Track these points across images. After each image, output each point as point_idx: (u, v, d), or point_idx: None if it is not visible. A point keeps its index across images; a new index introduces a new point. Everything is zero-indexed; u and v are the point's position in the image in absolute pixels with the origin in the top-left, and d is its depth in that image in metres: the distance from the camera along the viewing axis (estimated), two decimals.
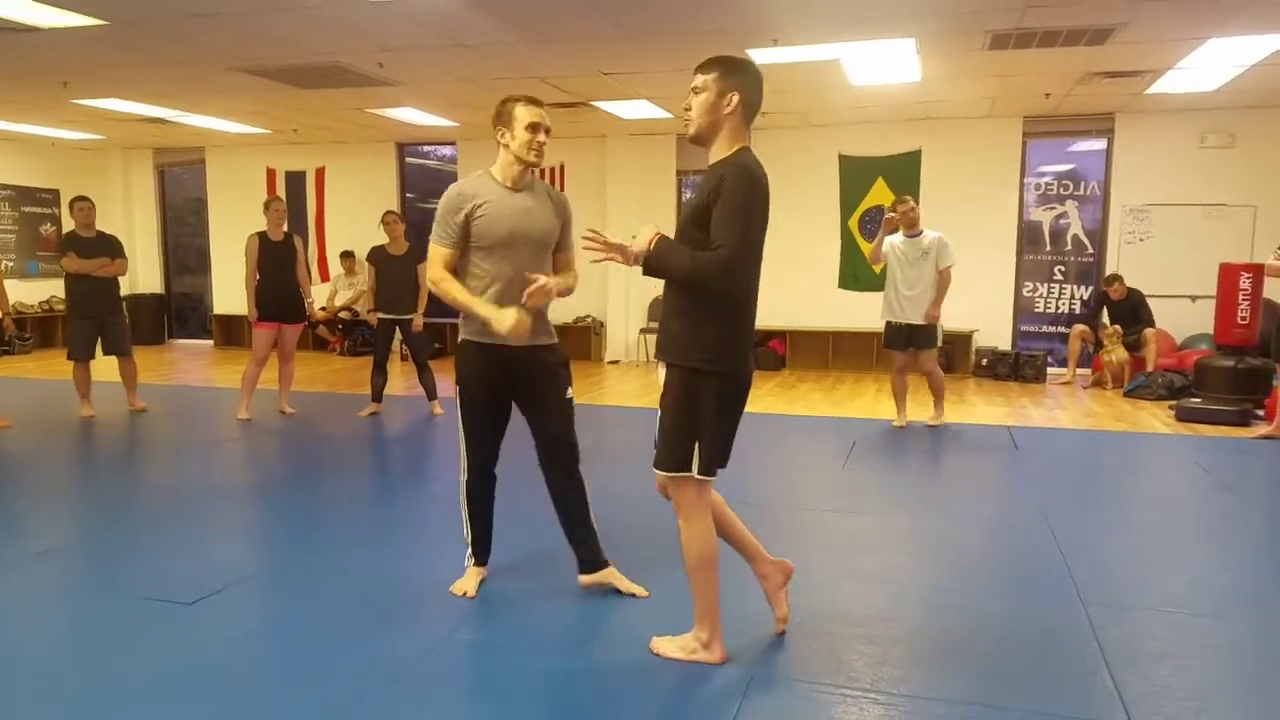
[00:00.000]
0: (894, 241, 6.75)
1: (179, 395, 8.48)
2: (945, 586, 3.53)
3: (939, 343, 6.77)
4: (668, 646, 2.89)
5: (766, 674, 2.78)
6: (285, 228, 7.06)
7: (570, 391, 3.33)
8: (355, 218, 12.06)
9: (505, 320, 3.02)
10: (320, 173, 12.27)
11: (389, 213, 7.32)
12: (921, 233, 6.67)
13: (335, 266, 12.21)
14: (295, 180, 12.34)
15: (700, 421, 2.68)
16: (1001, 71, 7.54)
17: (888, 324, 6.80)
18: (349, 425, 6.91)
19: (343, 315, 11.90)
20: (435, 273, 3.17)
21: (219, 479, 5.39)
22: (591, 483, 3.41)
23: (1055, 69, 7.45)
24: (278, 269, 6.97)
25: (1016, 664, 2.86)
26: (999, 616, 3.24)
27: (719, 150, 2.68)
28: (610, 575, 3.38)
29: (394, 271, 7.12)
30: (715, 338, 2.65)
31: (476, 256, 3.17)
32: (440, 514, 4.59)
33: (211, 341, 12.92)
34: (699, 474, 2.70)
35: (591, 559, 3.39)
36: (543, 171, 11.09)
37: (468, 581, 3.39)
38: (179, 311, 13.74)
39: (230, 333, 12.54)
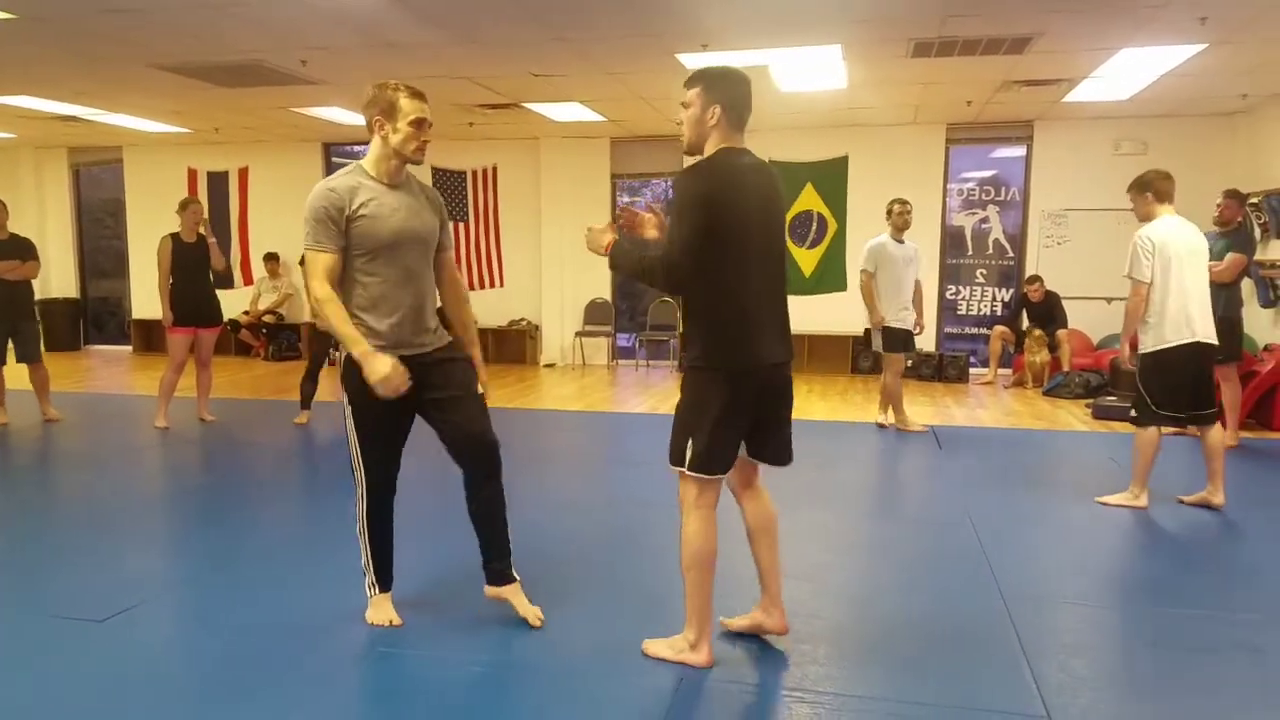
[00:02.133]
0: (885, 244, 6.80)
1: (95, 403, 8.20)
2: (870, 584, 3.59)
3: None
4: (658, 647, 2.90)
5: (695, 676, 2.78)
6: (201, 230, 6.85)
7: (481, 387, 3.13)
8: (280, 219, 11.80)
9: (378, 369, 2.77)
10: (243, 173, 11.98)
11: None
12: (904, 240, 6.85)
13: (259, 269, 11.94)
14: (218, 181, 12.03)
15: (697, 419, 2.72)
16: (924, 79, 7.71)
17: (889, 328, 6.78)
18: (272, 433, 6.76)
19: (267, 319, 11.64)
20: (320, 289, 2.84)
21: (135, 490, 5.22)
22: (522, 488, 3.37)
23: (976, 77, 7.64)
24: (193, 272, 6.77)
25: (940, 659, 2.92)
26: (922, 613, 3.30)
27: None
28: (512, 593, 3.17)
29: None
30: (708, 336, 2.70)
31: (359, 263, 2.90)
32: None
33: (130, 347, 12.52)
34: (690, 470, 2.73)
35: (500, 571, 3.16)
36: (475, 174, 11.04)
37: (385, 610, 3.15)
38: (96, 316, 13.28)
39: (150, 338, 12.17)
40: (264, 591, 3.51)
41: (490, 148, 10.83)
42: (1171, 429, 6.72)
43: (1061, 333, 9.13)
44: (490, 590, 3.20)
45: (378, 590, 3.19)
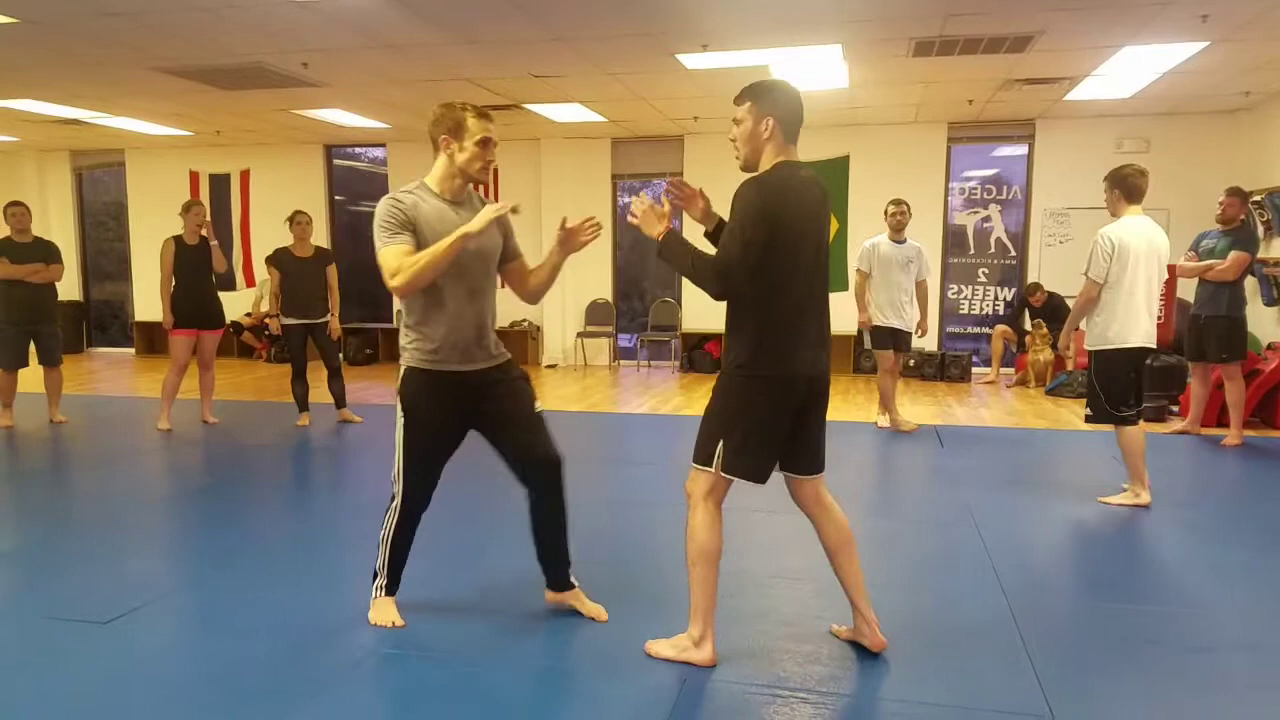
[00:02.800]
0: (879, 244, 6.82)
1: (99, 406, 8.20)
2: (874, 583, 3.56)
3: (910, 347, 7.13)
4: (660, 647, 2.90)
5: (699, 676, 2.78)
6: (204, 232, 6.87)
7: (538, 405, 3.14)
8: (283, 221, 11.78)
9: (481, 219, 2.82)
10: (245, 175, 11.99)
11: (299, 212, 7.05)
12: (905, 239, 6.84)
13: (261, 271, 11.93)
14: (219, 183, 12.04)
15: (733, 423, 2.74)
16: (926, 78, 7.70)
17: (876, 327, 6.83)
18: (274, 435, 6.76)
19: (269, 321, 11.64)
20: (399, 264, 2.80)
21: (139, 492, 5.22)
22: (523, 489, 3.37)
23: (977, 76, 7.63)
24: (195, 274, 6.79)
25: (943, 659, 2.91)
26: (926, 612, 3.29)
27: (761, 169, 2.77)
28: (574, 597, 3.24)
29: (302, 274, 6.89)
30: (751, 343, 2.71)
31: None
32: (366, 527, 4.52)
33: (133, 349, 12.54)
34: (723, 472, 2.75)
35: (562, 578, 3.24)
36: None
37: (389, 611, 3.15)
38: (99, 319, 13.31)
39: (152, 340, 12.19)
40: (267, 593, 3.50)
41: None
42: (1178, 428, 6.75)
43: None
44: (552, 596, 3.25)
45: (384, 593, 3.20)
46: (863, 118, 9.58)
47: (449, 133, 2.95)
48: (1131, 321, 4.62)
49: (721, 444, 2.74)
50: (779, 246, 2.64)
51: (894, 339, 6.82)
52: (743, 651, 2.95)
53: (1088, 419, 4.86)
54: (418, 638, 3.06)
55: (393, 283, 2.82)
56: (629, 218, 2.85)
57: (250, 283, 11.97)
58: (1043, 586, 3.60)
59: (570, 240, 3.06)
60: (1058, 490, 5.15)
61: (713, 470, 2.76)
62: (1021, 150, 10.01)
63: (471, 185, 3.07)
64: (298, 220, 6.96)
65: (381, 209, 2.90)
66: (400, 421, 3.05)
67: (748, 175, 2.76)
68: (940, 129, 9.99)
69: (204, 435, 6.69)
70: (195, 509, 4.86)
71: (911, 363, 9.87)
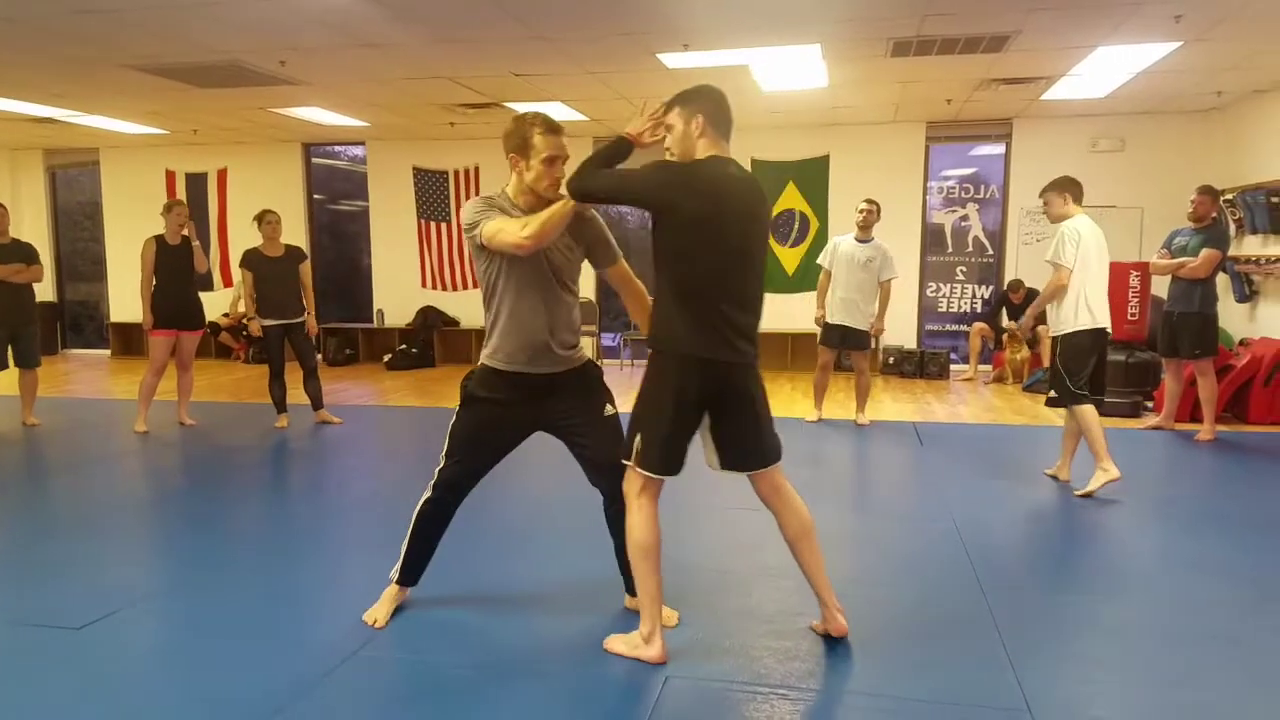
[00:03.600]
0: (841, 243, 6.89)
1: (74, 408, 8.12)
2: (853, 579, 3.60)
3: (871, 347, 7.07)
4: (615, 643, 2.93)
5: (681, 674, 2.79)
6: (185, 232, 6.82)
7: (611, 409, 3.11)
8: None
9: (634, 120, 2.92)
10: (222, 174, 11.90)
11: (268, 211, 6.94)
12: (872, 239, 6.89)
13: (239, 272, 11.84)
14: (196, 182, 11.94)
15: (646, 412, 2.79)
16: (904, 78, 7.74)
17: (828, 323, 6.92)
18: (252, 437, 6.72)
19: (249, 323, 11.55)
20: (513, 231, 2.78)
21: (114, 496, 5.18)
22: (502, 487, 3.37)
23: (955, 75, 7.68)
24: (176, 275, 6.75)
25: (921, 654, 2.94)
26: (905, 607, 3.32)
27: None
28: None
29: (275, 274, 6.82)
30: (667, 320, 2.78)
31: (499, 285, 2.95)
32: (344, 529, 4.51)
33: (109, 351, 12.42)
34: (638, 468, 2.78)
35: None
36: (457, 174, 11.00)
37: (380, 607, 3.17)
38: (74, 320, 13.17)
39: (128, 341, 12.08)
40: (245, 597, 3.49)
41: (473, 147, 10.80)
42: (1152, 424, 6.83)
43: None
44: (631, 601, 3.22)
45: (394, 582, 3.22)
46: (842, 117, 9.63)
47: (516, 151, 2.95)
48: (1094, 304, 4.90)
49: (639, 437, 2.78)
50: (690, 229, 2.70)
51: (843, 337, 6.88)
52: (723, 648, 2.97)
53: (1049, 402, 5.20)
54: (396, 639, 3.06)
55: (524, 232, 2.76)
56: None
57: (228, 283, 11.89)
58: (1019, 581, 3.64)
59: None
60: (1035, 485, 5.20)
61: (631, 464, 2.80)
62: (999, 149, 10.09)
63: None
64: (267, 220, 6.87)
65: (475, 203, 2.93)
66: (461, 398, 3.10)
67: None
68: (919, 128, 10.05)
69: (181, 438, 6.64)
70: (172, 512, 4.83)
71: (891, 360, 9.93)
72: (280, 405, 6.96)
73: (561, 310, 3.06)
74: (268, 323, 6.83)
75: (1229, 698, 2.69)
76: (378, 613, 3.17)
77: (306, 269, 7.00)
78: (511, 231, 2.79)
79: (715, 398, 2.79)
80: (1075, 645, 3.03)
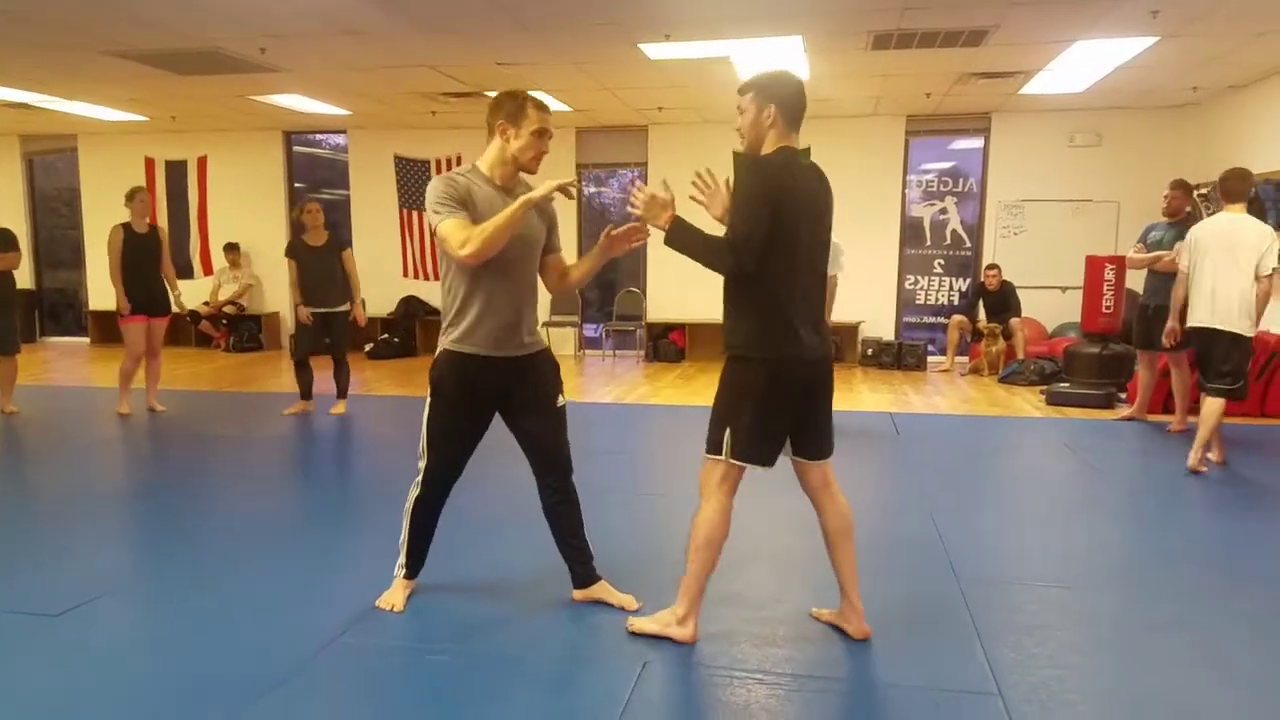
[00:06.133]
0: None
1: (53, 396, 8.08)
2: (829, 568, 3.65)
3: None
4: (643, 623, 2.98)
5: (661, 658, 2.84)
6: (149, 219, 6.84)
7: (562, 399, 3.19)
8: (240, 208, 11.70)
9: (546, 185, 2.81)
10: (202, 162, 11.82)
11: (311, 200, 6.97)
12: None
13: (219, 259, 11.80)
14: (176, 170, 11.86)
15: (735, 409, 2.79)
16: (884, 71, 7.79)
17: None
18: (233, 425, 6.72)
19: (227, 310, 11.51)
20: (466, 234, 2.77)
21: (94, 483, 5.17)
22: (487, 478, 3.40)
23: (935, 69, 7.74)
24: (143, 262, 6.78)
25: (896, 641, 2.99)
26: (881, 595, 3.36)
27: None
28: (602, 590, 3.26)
29: (318, 263, 6.81)
30: (750, 327, 2.77)
31: (473, 272, 2.92)
32: (324, 517, 4.53)
33: (88, 339, 12.33)
34: (730, 459, 2.80)
35: (584, 574, 3.26)
36: (439, 162, 10.96)
37: (395, 595, 3.22)
38: (52, 308, 13.05)
39: (108, 329, 11.94)
40: (222, 583, 3.50)
41: (454, 136, 10.76)
42: (1125, 414, 6.92)
43: (1016, 321, 9.29)
44: (579, 594, 3.27)
45: (403, 574, 3.26)
46: (824, 110, 9.66)
47: (508, 118, 2.95)
48: (1196, 302, 5.30)
49: (729, 431, 2.79)
50: (780, 228, 2.70)
51: None
52: (702, 634, 3.01)
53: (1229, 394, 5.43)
54: (376, 626, 3.09)
55: (463, 251, 2.77)
56: (629, 208, 2.87)
57: (208, 271, 11.83)
58: (994, 570, 3.70)
59: (615, 245, 3.07)
60: (1010, 476, 5.28)
61: (723, 458, 2.81)
62: (977, 143, 10.16)
63: (521, 174, 3.05)
64: (308, 209, 6.87)
65: (436, 186, 2.89)
66: (427, 400, 3.10)
67: (742, 156, 2.82)
68: (899, 122, 10.11)
69: (159, 424, 6.62)
70: (152, 499, 4.83)
71: (869, 352, 10.01)
72: (306, 392, 6.97)
73: (530, 292, 3.10)
74: (311, 310, 6.81)
75: (1197, 683, 2.75)
76: (394, 599, 3.21)
77: (350, 257, 6.96)
78: (454, 244, 2.80)
79: (807, 391, 2.83)
80: (1047, 632, 3.09)
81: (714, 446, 2.84)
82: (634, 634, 2.97)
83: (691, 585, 2.90)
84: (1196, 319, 5.34)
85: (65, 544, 3.96)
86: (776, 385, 2.76)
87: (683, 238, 2.78)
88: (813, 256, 2.82)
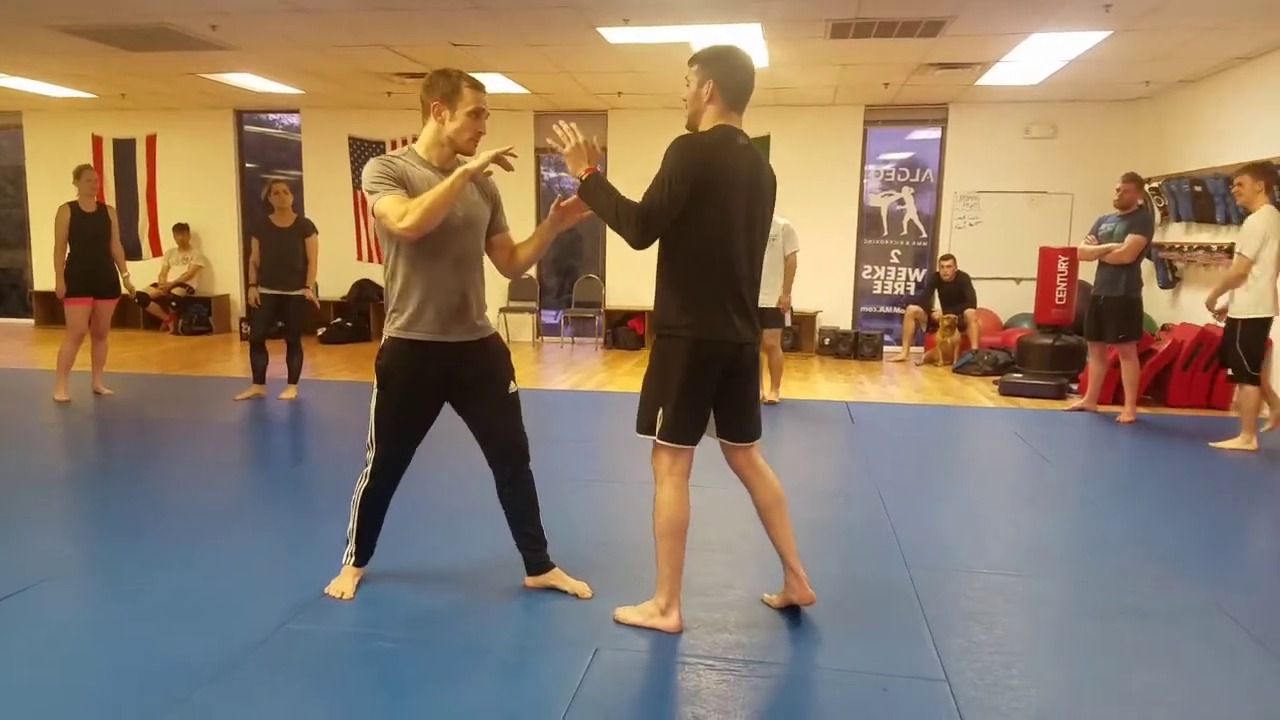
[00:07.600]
0: None
1: None
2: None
3: (785, 324, 7.04)
4: (628, 614, 2.97)
5: (611, 645, 2.82)
6: (97, 198, 6.66)
7: (514, 385, 3.14)
8: (190, 189, 11.45)
9: (483, 155, 2.75)
10: (151, 140, 11.55)
11: (279, 182, 6.80)
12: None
13: (168, 240, 11.55)
14: (124, 148, 11.57)
15: (666, 388, 2.78)
16: (843, 60, 7.81)
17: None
18: (181, 409, 6.58)
19: (176, 292, 11.28)
20: (395, 214, 2.72)
21: (34, 467, 5.03)
22: (444, 467, 3.36)
23: (893, 59, 7.77)
24: (91, 242, 6.61)
25: (845, 627, 3.01)
26: (831, 582, 3.38)
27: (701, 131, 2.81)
28: (555, 577, 3.23)
29: (281, 245, 6.68)
30: (680, 304, 2.75)
31: (408, 248, 2.86)
32: (271, 503, 4.46)
33: (32, 320, 12.02)
34: (661, 439, 2.80)
35: (537, 561, 3.23)
36: (394, 144, 10.81)
37: (344, 582, 3.16)
38: None
39: (53, 310, 11.62)
40: (167, 570, 3.42)
41: (410, 117, 10.45)
42: (1076, 405, 7.04)
43: (970, 312, 9.40)
44: (532, 580, 3.24)
45: (351, 561, 3.21)
46: (783, 98, 9.67)
47: (442, 99, 2.90)
48: (1270, 296, 5.42)
49: (660, 411, 2.79)
50: (707, 207, 2.67)
51: (768, 318, 6.93)
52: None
53: (1230, 379, 5.79)
54: (321, 613, 3.04)
55: (402, 224, 2.71)
56: (550, 140, 2.84)
57: (156, 252, 11.58)
58: (943, 557, 3.74)
59: (566, 216, 3.02)
60: (961, 464, 5.33)
61: (653, 437, 2.82)
62: (935, 134, 10.24)
63: (459, 156, 2.98)
64: (276, 190, 6.71)
65: (373, 167, 2.83)
66: (374, 390, 3.04)
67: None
68: (857, 111, 10.15)
69: (105, 408, 6.47)
70: (94, 485, 4.71)
71: (827, 341, 10.07)
72: (259, 376, 6.84)
73: (477, 273, 3.04)
74: (266, 292, 6.68)
75: (1140, 667, 2.80)
76: (343, 586, 3.16)
77: (314, 242, 6.82)
78: (393, 218, 2.74)
79: (726, 376, 2.83)
80: (994, 618, 3.13)
81: (645, 427, 2.84)
82: (618, 623, 2.96)
83: (664, 574, 2.90)
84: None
85: (4, 528, 3.85)
86: (698, 364, 2.76)
87: (596, 194, 2.77)
88: (750, 240, 2.80)
